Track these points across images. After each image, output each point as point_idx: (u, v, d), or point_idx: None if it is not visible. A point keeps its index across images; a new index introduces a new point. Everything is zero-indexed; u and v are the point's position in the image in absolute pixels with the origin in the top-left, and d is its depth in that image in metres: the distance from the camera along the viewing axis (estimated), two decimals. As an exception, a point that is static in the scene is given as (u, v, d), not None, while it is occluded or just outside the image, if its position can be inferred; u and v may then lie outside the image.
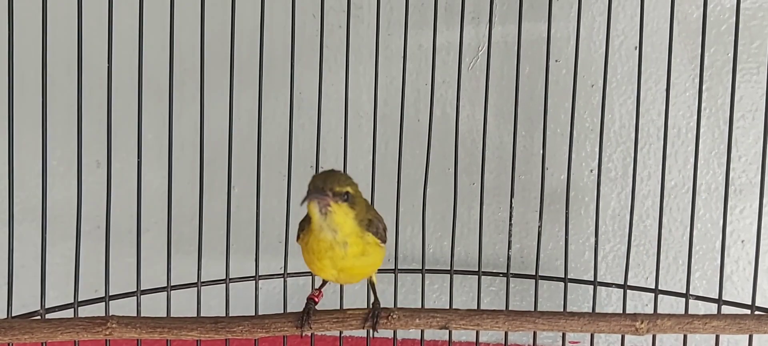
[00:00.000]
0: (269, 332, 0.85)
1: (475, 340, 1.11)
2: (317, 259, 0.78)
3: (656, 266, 1.05)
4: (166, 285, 1.00)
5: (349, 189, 0.75)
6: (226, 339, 0.86)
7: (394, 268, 1.06)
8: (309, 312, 0.84)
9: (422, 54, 1.23)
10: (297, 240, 0.81)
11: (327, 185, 0.74)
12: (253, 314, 0.96)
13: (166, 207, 0.98)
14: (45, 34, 0.88)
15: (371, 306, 0.86)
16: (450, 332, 1.09)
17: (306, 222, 0.78)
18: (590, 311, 1.09)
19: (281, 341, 1.07)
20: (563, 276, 1.09)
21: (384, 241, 0.81)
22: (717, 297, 1.03)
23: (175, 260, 1.00)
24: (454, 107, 1.08)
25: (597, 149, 1.09)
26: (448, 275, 1.09)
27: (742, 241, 1.22)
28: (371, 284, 0.86)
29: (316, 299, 0.85)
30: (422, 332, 1.08)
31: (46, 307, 0.93)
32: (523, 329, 0.88)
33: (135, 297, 0.98)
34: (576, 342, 1.28)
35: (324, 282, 0.86)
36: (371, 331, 0.86)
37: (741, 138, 1.19)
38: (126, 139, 1.00)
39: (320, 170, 0.81)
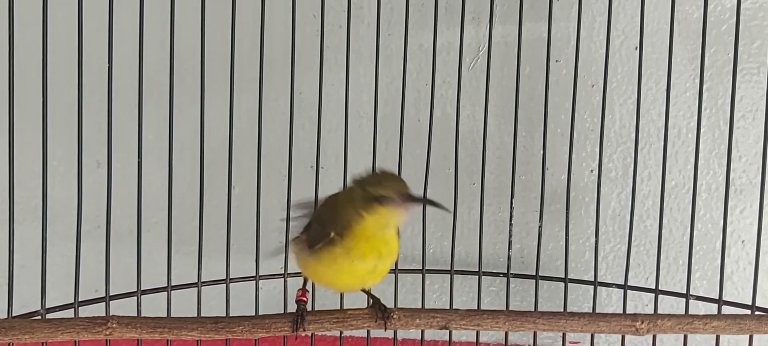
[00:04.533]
0: (269, 332, 0.85)
1: (475, 340, 1.11)
2: (360, 262, 0.78)
3: (656, 267, 1.05)
4: (166, 285, 1.00)
5: None
6: (226, 339, 0.86)
7: (394, 268, 1.06)
8: (302, 314, 0.84)
9: (422, 54, 1.23)
10: (313, 249, 0.79)
11: (407, 188, 0.78)
12: (254, 314, 0.96)
13: (166, 207, 0.98)
14: (45, 34, 0.88)
15: (374, 306, 0.86)
16: (450, 333, 1.09)
17: (322, 232, 0.78)
18: (590, 311, 1.09)
19: (281, 341, 1.07)
20: (563, 276, 1.09)
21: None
22: (717, 297, 1.03)
23: (176, 260, 1.00)
24: (455, 107, 1.08)
25: (597, 149, 1.09)
26: (449, 275, 1.09)
27: (743, 241, 1.22)
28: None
29: (305, 299, 0.86)
30: (422, 332, 1.08)
31: (47, 307, 0.93)
32: (524, 329, 0.88)
33: (135, 297, 0.98)
34: (576, 342, 1.28)
35: (305, 281, 0.87)
36: (370, 332, 0.86)
37: (741, 138, 1.19)
38: (126, 139, 1.00)
39: (365, 174, 0.80)
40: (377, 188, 0.77)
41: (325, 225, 0.79)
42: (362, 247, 0.77)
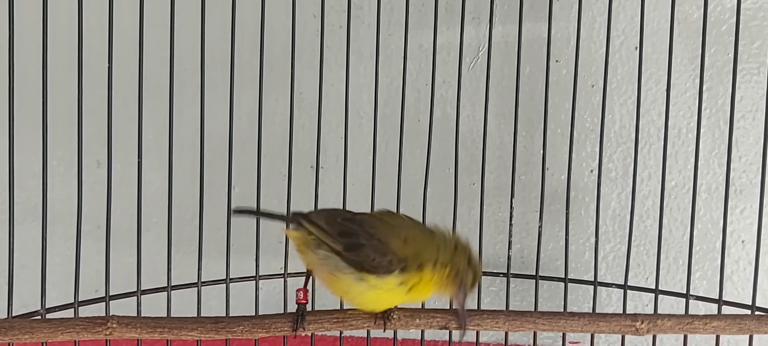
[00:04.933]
0: (269, 332, 0.85)
1: (475, 340, 1.11)
2: (407, 295, 0.81)
3: (656, 267, 1.05)
4: (166, 285, 1.00)
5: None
6: (226, 339, 0.87)
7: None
8: (302, 314, 0.84)
9: (423, 54, 1.23)
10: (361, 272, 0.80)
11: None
12: (254, 314, 0.96)
13: (166, 207, 0.98)
14: (45, 34, 0.88)
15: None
16: (450, 333, 1.09)
17: (388, 263, 0.79)
18: (590, 311, 1.09)
19: (281, 341, 1.07)
20: (563, 276, 1.09)
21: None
22: (717, 297, 1.03)
23: (176, 259, 1.00)
24: (455, 107, 1.08)
25: (597, 149, 1.09)
26: (449, 275, 1.09)
27: (743, 241, 1.22)
28: None
29: (305, 300, 0.85)
30: (422, 332, 1.08)
31: (47, 307, 0.93)
32: (524, 329, 0.88)
33: (135, 297, 0.98)
34: (576, 342, 1.28)
35: (307, 281, 0.87)
36: (369, 332, 0.86)
37: (741, 138, 1.19)
38: (126, 139, 1.00)
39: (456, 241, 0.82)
40: (470, 279, 0.81)
41: (395, 254, 0.78)
42: (424, 289, 0.80)
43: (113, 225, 0.94)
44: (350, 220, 0.82)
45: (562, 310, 1.08)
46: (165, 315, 0.97)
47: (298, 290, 0.86)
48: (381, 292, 0.78)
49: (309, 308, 0.87)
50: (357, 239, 0.79)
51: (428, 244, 0.80)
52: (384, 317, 0.85)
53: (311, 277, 0.88)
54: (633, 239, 1.06)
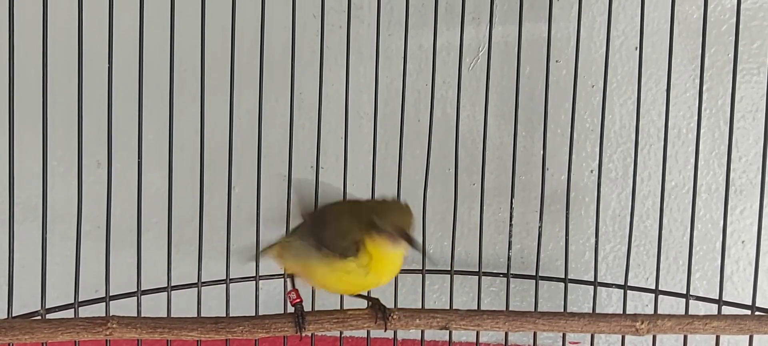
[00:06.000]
0: (269, 333, 0.85)
1: (475, 340, 1.11)
2: (373, 277, 0.81)
3: (656, 267, 1.05)
4: (166, 285, 1.00)
5: None
6: (226, 339, 0.87)
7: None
8: (302, 314, 0.84)
9: (422, 54, 1.23)
10: (326, 256, 0.81)
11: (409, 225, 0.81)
12: (254, 314, 0.96)
13: (166, 207, 0.98)
14: (45, 34, 0.88)
15: (374, 306, 0.86)
16: (450, 333, 1.09)
17: (344, 243, 0.80)
18: (590, 311, 1.09)
19: (281, 341, 1.07)
20: (563, 276, 1.09)
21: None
22: (717, 298, 1.04)
23: (176, 260, 1.00)
24: (455, 108, 1.08)
25: (597, 150, 1.09)
26: (449, 276, 1.09)
27: (743, 241, 1.22)
28: None
29: (300, 299, 0.86)
30: (422, 332, 1.08)
31: (47, 307, 0.93)
32: (524, 329, 0.88)
33: (135, 297, 0.98)
34: (576, 343, 1.28)
35: (294, 281, 0.88)
36: (369, 332, 0.86)
37: (741, 139, 1.19)
38: (126, 139, 1.00)
39: (379, 199, 0.83)
40: (380, 218, 0.79)
41: (348, 236, 0.80)
42: (377, 265, 0.80)
43: (113, 225, 0.94)
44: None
45: (562, 310, 1.08)
46: (165, 315, 0.97)
47: (289, 293, 0.86)
48: (341, 274, 0.80)
49: (310, 308, 0.87)
50: (323, 219, 0.83)
51: (357, 219, 0.81)
52: (384, 317, 0.85)
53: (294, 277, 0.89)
54: (633, 239, 1.06)
